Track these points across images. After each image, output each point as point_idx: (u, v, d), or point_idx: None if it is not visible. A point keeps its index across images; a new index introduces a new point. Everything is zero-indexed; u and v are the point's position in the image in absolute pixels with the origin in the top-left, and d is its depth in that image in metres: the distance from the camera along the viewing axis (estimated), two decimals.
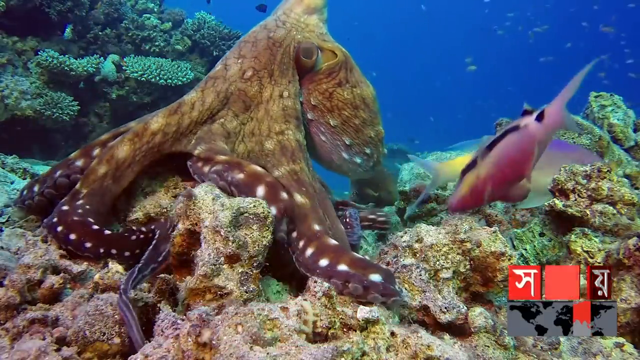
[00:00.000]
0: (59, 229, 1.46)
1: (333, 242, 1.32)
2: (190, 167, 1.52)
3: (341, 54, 1.66)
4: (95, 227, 1.46)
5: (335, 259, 1.23)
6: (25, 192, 1.74)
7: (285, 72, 1.59)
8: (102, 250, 1.45)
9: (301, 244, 1.32)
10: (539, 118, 1.39)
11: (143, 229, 1.53)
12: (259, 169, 1.40)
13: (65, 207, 1.50)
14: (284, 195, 1.34)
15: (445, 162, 2.24)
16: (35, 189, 1.69)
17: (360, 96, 1.65)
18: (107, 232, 1.48)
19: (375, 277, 1.18)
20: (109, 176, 1.50)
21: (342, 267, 1.21)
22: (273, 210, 1.28)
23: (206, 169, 1.45)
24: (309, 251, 1.30)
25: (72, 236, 1.45)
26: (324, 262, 1.24)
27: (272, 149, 1.50)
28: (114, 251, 1.46)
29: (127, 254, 1.47)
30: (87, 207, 1.50)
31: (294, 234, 1.35)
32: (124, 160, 1.49)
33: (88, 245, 1.45)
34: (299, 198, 1.39)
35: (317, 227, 1.35)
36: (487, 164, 1.48)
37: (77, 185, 1.54)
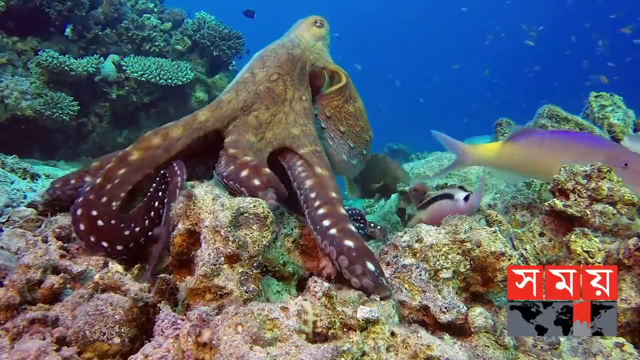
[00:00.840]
0: (78, 199, 1.51)
1: (343, 211, 1.47)
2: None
3: (345, 76, 1.97)
4: (95, 213, 1.47)
5: (332, 224, 1.41)
6: (73, 182, 1.75)
7: (302, 82, 1.88)
8: (92, 239, 1.45)
9: (317, 203, 1.50)
10: (466, 199, 2.06)
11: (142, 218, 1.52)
12: (248, 159, 1.56)
13: (97, 180, 1.55)
14: (267, 170, 1.52)
15: (474, 145, 2.41)
16: (87, 179, 1.73)
17: (359, 109, 1.99)
18: (100, 223, 1.46)
19: (349, 243, 1.33)
20: (162, 148, 1.65)
21: (332, 232, 1.39)
22: (256, 182, 1.47)
23: (221, 159, 1.64)
24: (321, 211, 1.47)
25: (78, 212, 1.48)
26: (326, 223, 1.42)
27: (297, 134, 1.73)
28: (104, 244, 1.46)
29: (119, 247, 1.47)
30: (117, 180, 1.55)
31: (312, 194, 1.52)
32: (176, 137, 1.68)
33: (81, 227, 1.46)
34: (319, 170, 1.60)
35: (334, 195, 1.52)
36: (427, 212, 2.18)
37: (129, 148, 1.64)
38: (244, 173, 1.50)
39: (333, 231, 1.38)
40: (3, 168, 2.94)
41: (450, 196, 2.10)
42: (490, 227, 1.43)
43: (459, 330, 1.29)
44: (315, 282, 1.15)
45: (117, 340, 1.11)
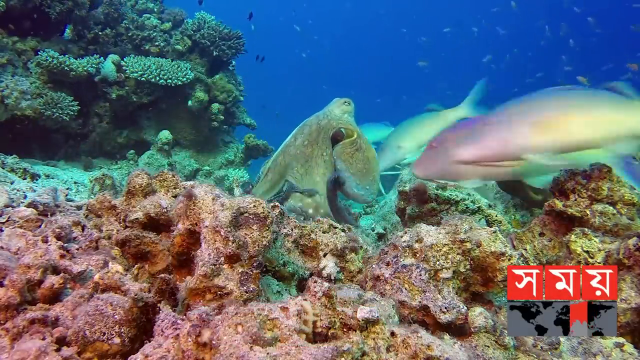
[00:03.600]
0: None
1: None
2: None
3: (356, 133, 2.71)
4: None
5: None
6: None
7: (325, 142, 2.67)
8: None
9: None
10: None
11: None
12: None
13: None
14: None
15: None
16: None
17: (367, 156, 2.69)
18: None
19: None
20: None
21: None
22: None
23: None
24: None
25: None
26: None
27: (318, 180, 2.59)
28: None
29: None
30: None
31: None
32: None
33: None
34: (317, 178, 2.53)
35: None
36: None
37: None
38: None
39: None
40: (3, 168, 2.94)
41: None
42: (490, 227, 1.43)
43: (459, 330, 1.29)
44: (315, 282, 1.15)
45: (117, 340, 1.11)
